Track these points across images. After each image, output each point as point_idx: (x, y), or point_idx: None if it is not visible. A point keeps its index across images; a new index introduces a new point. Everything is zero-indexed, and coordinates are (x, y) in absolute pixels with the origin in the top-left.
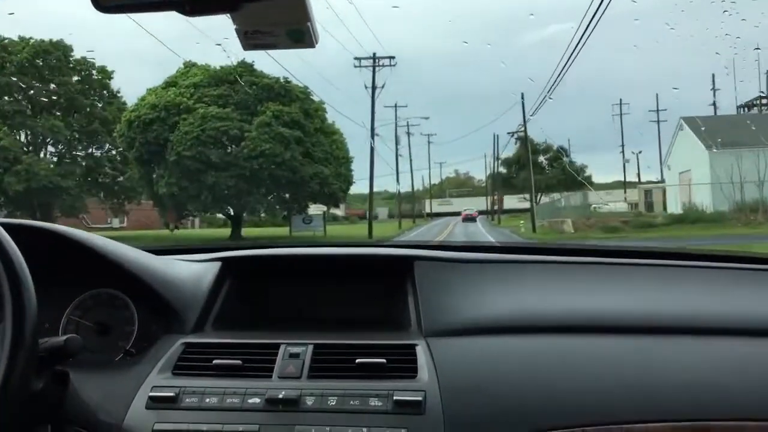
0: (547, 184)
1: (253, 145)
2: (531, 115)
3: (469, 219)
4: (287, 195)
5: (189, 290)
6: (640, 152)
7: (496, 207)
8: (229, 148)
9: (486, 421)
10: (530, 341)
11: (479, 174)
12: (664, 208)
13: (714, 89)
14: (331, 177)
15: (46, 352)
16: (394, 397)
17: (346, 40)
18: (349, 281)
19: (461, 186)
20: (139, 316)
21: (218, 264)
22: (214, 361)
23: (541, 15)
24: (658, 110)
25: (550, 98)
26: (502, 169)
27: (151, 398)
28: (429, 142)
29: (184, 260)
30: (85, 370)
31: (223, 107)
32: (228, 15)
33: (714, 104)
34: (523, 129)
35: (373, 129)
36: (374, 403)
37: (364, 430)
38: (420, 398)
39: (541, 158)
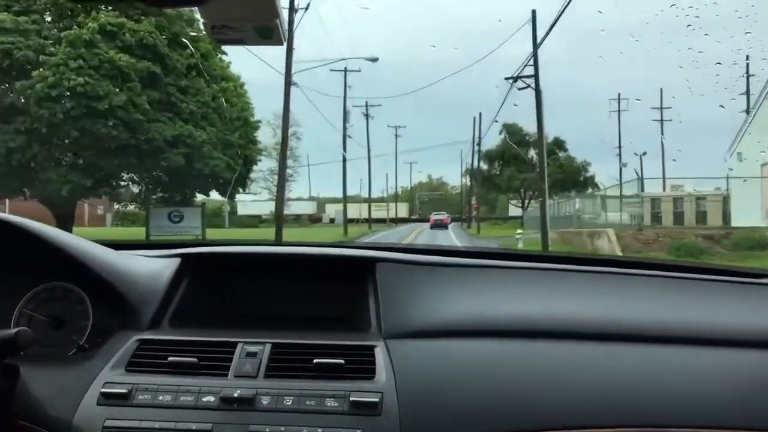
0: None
1: (55, 76)
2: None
3: (439, 226)
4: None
5: (146, 286)
6: (644, 153)
7: (474, 213)
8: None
9: (442, 424)
10: (489, 345)
11: (454, 180)
12: (725, 219)
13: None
14: (210, 146)
15: None
16: (351, 398)
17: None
18: (310, 281)
19: (434, 191)
20: (94, 310)
21: (177, 260)
22: (169, 359)
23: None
24: (662, 107)
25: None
26: (483, 166)
27: (102, 394)
28: (396, 135)
29: (143, 255)
30: (37, 365)
31: (16, 14)
32: (196, 8)
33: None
34: (525, 80)
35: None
36: (330, 403)
37: (320, 430)
38: (377, 399)
39: (531, 152)
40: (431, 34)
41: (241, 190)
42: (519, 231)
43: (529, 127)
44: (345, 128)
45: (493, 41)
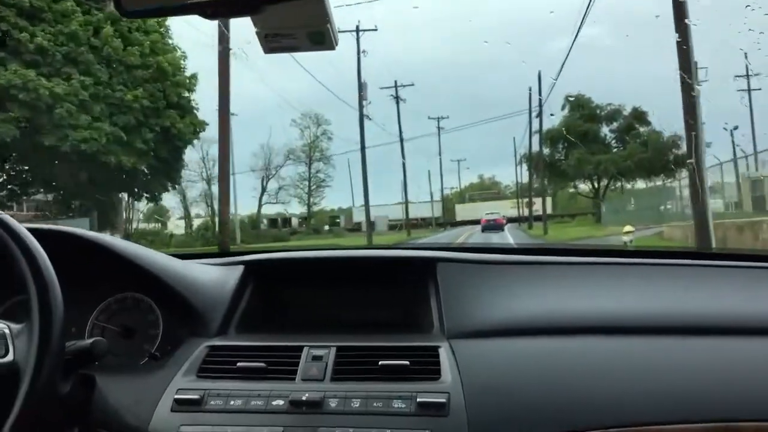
0: (618, 167)
1: None
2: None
3: (492, 228)
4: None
5: (212, 294)
6: (735, 128)
7: (535, 208)
8: None
9: (509, 423)
10: (554, 343)
11: (508, 178)
12: None
13: None
14: (76, 106)
15: (72, 355)
16: (418, 399)
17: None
18: (371, 283)
19: (486, 191)
20: (164, 319)
21: (241, 267)
22: (238, 364)
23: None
24: (748, 75)
25: None
26: (543, 150)
27: (176, 401)
28: (439, 128)
29: (206, 264)
30: (111, 374)
31: None
32: (249, 18)
33: None
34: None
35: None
36: (398, 404)
37: (388, 431)
38: (444, 400)
39: (604, 129)
40: (481, 32)
41: (167, 187)
42: (628, 229)
43: (600, 97)
44: (361, 106)
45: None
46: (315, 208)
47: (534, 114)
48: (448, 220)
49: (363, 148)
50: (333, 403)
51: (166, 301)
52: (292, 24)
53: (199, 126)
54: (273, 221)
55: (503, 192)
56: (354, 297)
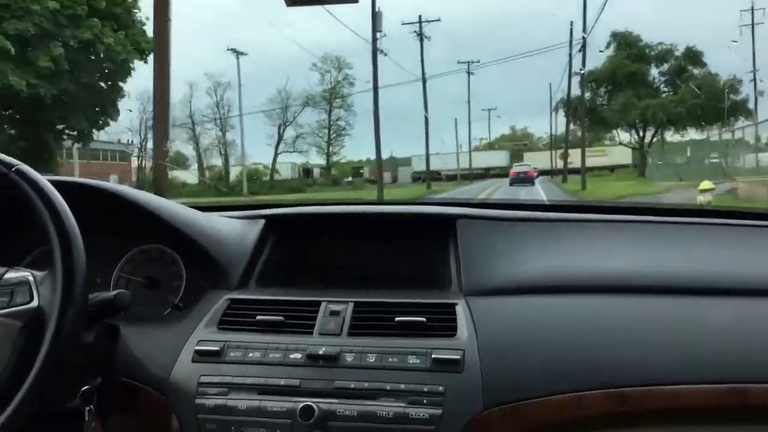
0: (668, 113)
1: None
2: None
3: (522, 180)
4: None
5: (234, 247)
6: None
7: (570, 161)
8: None
9: (523, 381)
10: (572, 301)
11: (540, 130)
12: None
13: None
14: None
15: (96, 306)
16: (433, 355)
17: None
18: (390, 239)
19: (517, 142)
20: (187, 271)
21: (261, 221)
22: (258, 317)
23: None
24: None
25: None
26: (578, 95)
27: (197, 351)
28: (468, 72)
29: (227, 217)
30: (135, 324)
31: None
32: None
33: None
34: None
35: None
36: (413, 360)
37: (402, 386)
38: (458, 357)
39: (654, 72)
40: None
41: (97, 122)
42: (706, 186)
43: (650, 34)
44: (375, 39)
45: None
46: (334, 158)
47: (575, 50)
48: (474, 173)
49: (375, 88)
50: (349, 358)
51: (189, 253)
52: None
53: (145, 45)
54: (306, 171)
55: (535, 144)
56: (373, 252)
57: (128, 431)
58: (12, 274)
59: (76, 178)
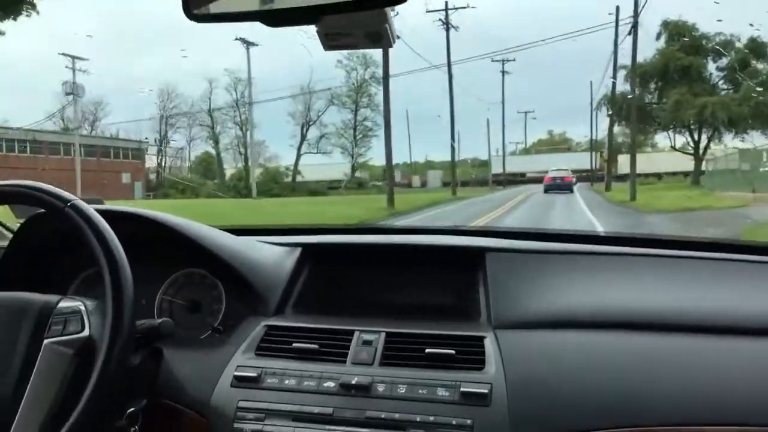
0: (729, 113)
1: None
2: None
3: (558, 187)
4: None
5: (271, 274)
6: None
7: (604, 170)
8: None
9: (551, 416)
10: (601, 337)
11: (580, 135)
12: None
13: None
14: None
15: (142, 332)
16: (461, 389)
17: None
18: (421, 269)
19: (556, 147)
20: (226, 296)
21: (298, 249)
22: (294, 345)
23: None
24: None
25: None
26: (627, 88)
27: (236, 377)
28: (503, 72)
29: (264, 242)
30: (177, 346)
31: None
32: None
33: None
34: None
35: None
36: (441, 393)
37: (431, 418)
38: (486, 390)
39: (711, 67)
40: None
41: None
42: None
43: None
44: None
45: None
46: (360, 160)
47: (620, 40)
48: (508, 178)
49: (386, 77)
50: (381, 388)
51: (229, 279)
52: (351, 25)
53: None
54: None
55: (574, 149)
56: (404, 282)
57: None
58: (65, 303)
59: (122, 207)
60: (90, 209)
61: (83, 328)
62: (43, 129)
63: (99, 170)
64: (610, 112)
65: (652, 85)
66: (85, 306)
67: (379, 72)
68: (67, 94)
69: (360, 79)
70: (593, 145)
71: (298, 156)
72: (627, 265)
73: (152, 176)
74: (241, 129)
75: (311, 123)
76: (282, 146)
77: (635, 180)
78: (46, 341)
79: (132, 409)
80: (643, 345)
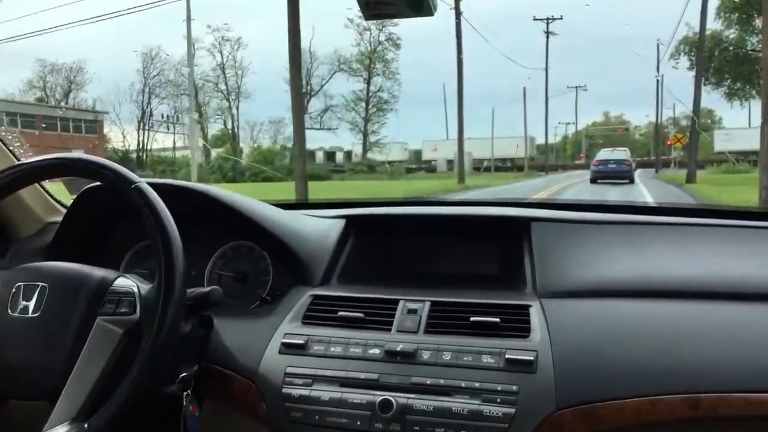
0: None
1: None
2: None
3: (612, 175)
4: None
5: (317, 246)
6: None
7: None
8: None
9: (597, 384)
10: (647, 306)
11: (639, 117)
12: None
13: None
14: None
15: (193, 300)
16: (506, 356)
17: None
18: (466, 239)
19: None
20: (273, 267)
21: (342, 221)
22: (339, 313)
23: None
24: None
25: None
26: (720, 29)
27: (283, 344)
28: (548, 33)
29: (310, 215)
30: (226, 315)
31: None
32: None
33: None
34: None
35: None
36: (486, 360)
37: (477, 384)
38: (531, 358)
39: None
40: None
41: None
42: None
43: None
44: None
45: None
46: (372, 138)
47: None
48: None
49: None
50: (425, 355)
51: (276, 250)
52: None
53: None
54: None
55: (632, 134)
56: (449, 252)
57: (221, 415)
58: (121, 282)
59: (173, 181)
60: (152, 191)
61: (134, 311)
62: None
63: (40, 146)
64: (693, 60)
65: (758, 21)
66: (138, 288)
67: (397, 32)
68: None
69: (374, 41)
70: (660, 115)
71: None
72: (674, 234)
73: (133, 156)
74: (227, 99)
75: (313, 93)
76: (262, 119)
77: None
78: (98, 318)
79: (184, 374)
80: (688, 312)
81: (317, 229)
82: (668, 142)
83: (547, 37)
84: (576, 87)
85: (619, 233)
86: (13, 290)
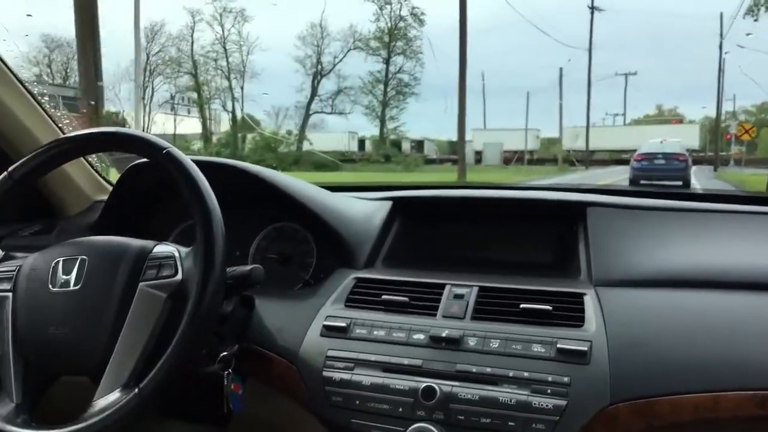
0: None
1: None
2: None
3: (660, 172)
4: None
5: (362, 228)
6: None
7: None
8: None
9: (656, 377)
10: (708, 297)
11: (694, 111)
12: None
13: None
14: None
15: (234, 279)
16: (558, 345)
17: None
18: (517, 224)
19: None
20: (317, 249)
21: (389, 203)
22: (383, 297)
23: None
24: None
25: None
26: None
27: (325, 327)
28: (592, 8)
29: (356, 198)
30: (269, 296)
31: None
32: None
33: None
34: None
35: None
36: (537, 349)
37: (526, 374)
38: (585, 348)
39: None
40: None
41: None
42: None
43: None
44: None
45: None
46: (390, 124)
47: None
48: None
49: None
50: (472, 342)
51: (320, 232)
52: None
53: None
54: (420, 143)
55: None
56: (499, 237)
57: (262, 396)
58: (160, 248)
59: (218, 159)
60: (184, 157)
61: (176, 272)
62: None
63: None
64: None
65: None
66: (179, 252)
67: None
68: None
69: (395, 16)
70: (720, 101)
71: (307, 116)
72: (736, 222)
73: None
74: (227, 78)
75: (325, 73)
76: (288, 100)
77: None
78: (141, 284)
79: (225, 353)
80: (753, 305)
81: (363, 211)
82: (727, 136)
83: (592, 13)
84: (626, 74)
85: (677, 220)
86: (53, 265)
